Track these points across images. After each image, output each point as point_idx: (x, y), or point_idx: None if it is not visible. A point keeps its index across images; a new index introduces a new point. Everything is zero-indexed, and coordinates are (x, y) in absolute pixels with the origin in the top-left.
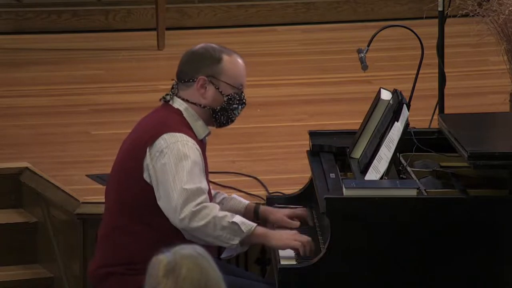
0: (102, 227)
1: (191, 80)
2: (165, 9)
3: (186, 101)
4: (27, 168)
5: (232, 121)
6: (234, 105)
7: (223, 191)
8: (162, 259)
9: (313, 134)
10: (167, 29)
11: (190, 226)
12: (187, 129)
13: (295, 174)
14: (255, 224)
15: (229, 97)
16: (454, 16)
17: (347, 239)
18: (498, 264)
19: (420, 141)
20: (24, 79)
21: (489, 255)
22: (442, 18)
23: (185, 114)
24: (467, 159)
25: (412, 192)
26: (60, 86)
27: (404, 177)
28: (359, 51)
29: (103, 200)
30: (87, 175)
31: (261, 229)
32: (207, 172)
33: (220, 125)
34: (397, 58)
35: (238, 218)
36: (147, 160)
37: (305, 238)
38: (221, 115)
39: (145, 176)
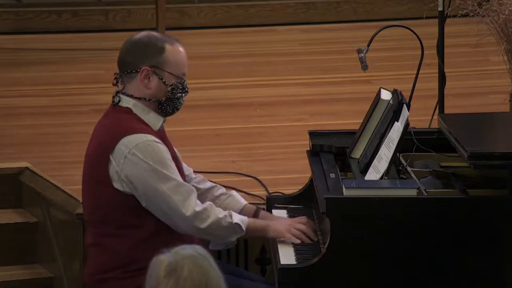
0: (88, 235)
1: (134, 71)
2: (165, 9)
3: (132, 97)
4: (27, 168)
5: (178, 109)
6: (178, 94)
7: None
8: (163, 259)
9: (313, 134)
10: (167, 29)
11: (195, 225)
12: (141, 125)
13: (295, 174)
14: (247, 219)
15: (172, 87)
16: (454, 16)
17: (347, 239)
18: (498, 264)
19: (420, 141)
20: (24, 79)
21: (489, 255)
22: (442, 18)
23: (134, 110)
24: (467, 159)
25: (412, 192)
26: (60, 86)
27: (404, 177)
28: (359, 51)
29: None
30: None
31: (258, 224)
32: (176, 158)
33: (166, 114)
34: (397, 58)
35: (237, 218)
36: (113, 167)
37: (302, 226)
38: (167, 105)
39: (116, 185)
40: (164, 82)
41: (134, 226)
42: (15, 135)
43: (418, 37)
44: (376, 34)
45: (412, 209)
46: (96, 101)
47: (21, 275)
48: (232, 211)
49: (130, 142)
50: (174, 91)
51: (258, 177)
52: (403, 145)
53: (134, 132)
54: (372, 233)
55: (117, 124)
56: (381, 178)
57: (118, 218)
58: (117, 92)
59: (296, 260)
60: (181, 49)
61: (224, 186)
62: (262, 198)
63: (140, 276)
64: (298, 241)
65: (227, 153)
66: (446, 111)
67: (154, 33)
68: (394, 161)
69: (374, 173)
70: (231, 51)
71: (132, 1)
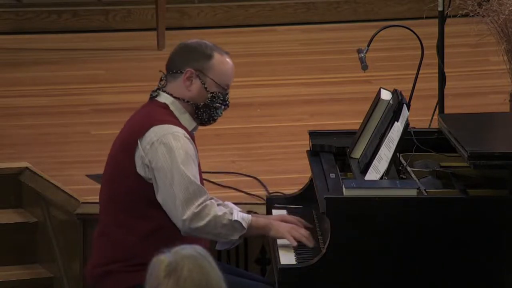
0: (97, 227)
1: (179, 72)
2: (165, 9)
3: (171, 95)
4: (27, 168)
5: (214, 120)
6: (217, 104)
7: (223, 191)
8: (163, 259)
9: (313, 134)
10: (167, 29)
11: (191, 227)
12: (175, 121)
13: (295, 174)
14: (251, 216)
15: (213, 94)
16: (454, 16)
17: (347, 239)
18: (498, 264)
19: (420, 141)
20: (24, 79)
21: (489, 255)
22: (442, 18)
23: (171, 108)
24: (467, 159)
25: (412, 192)
26: (60, 86)
27: (404, 177)
28: (359, 51)
29: None
30: (87, 175)
31: (261, 221)
32: (198, 163)
33: (202, 122)
34: (397, 58)
35: (237, 215)
36: (140, 152)
37: (303, 230)
38: (203, 111)
39: (139, 170)
40: (206, 88)
41: (145, 217)
42: (15, 135)
43: (418, 37)
44: (376, 34)
45: (412, 209)
46: (96, 101)
47: (21, 275)
48: None
49: (161, 131)
50: (214, 100)
51: (258, 177)
52: (403, 145)
53: (166, 123)
54: (372, 233)
55: (152, 113)
56: (381, 178)
57: (131, 206)
58: (157, 89)
59: (296, 260)
60: (229, 61)
61: (224, 186)
62: (262, 198)
63: (142, 272)
64: (295, 244)
65: (227, 153)
66: (446, 111)
67: (206, 41)
68: (394, 161)
69: (374, 173)
70: (231, 51)
71: (132, 1)
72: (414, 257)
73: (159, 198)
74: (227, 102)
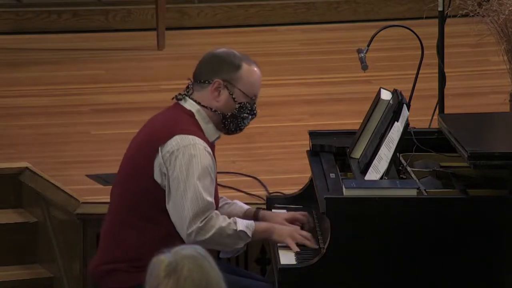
0: (105, 223)
1: (207, 82)
2: (165, 9)
3: (198, 103)
4: (27, 168)
5: (241, 129)
6: (245, 114)
7: (223, 191)
8: (163, 259)
9: (313, 134)
10: (167, 29)
11: (197, 240)
12: (199, 131)
13: (295, 174)
14: (254, 223)
15: (241, 105)
16: (454, 16)
17: (347, 239)
18: (498, 264)
19: (420, 141)
20: (24, 79)
21: (489, 255)
22: (442, 18)
23: (196, 116)
24: (467, 159)
25: (412, 192)
26: (60, 86)
27: (404, 177)
28: (359, 51)
29: (103, 200)
30: (87, 175)
31: (263, 225)
32: (215, 174)
33: (229, 132)
34: (397, 58)
35: (241, 224)
36: (159, 159)
37: (304, 233)
38: (230, 121)
39: (156, 176)
40: (234, 99)
41: (155, 222)
42: (15, 135)
43: (418, 37)
44: (376, 34)
45: (412, 209)
46: (96, 101)
47: (21, 275)
48: (236, 216)
49: (183, 141)
50: (242, 110)
51: (258, 177)
52: (403, 145)
53: (190, 133)
54: (372, 233)
55: (177, 121)
56: (381, 178)
57: (144, 210)
58: (184, 94)
59: (296, 260)
60: (257, 70)
61: (224, 186)
62: (262, 198)
63: (144, 272)
64: (298, 249)
65: (227, 153)
66: (446, 111)
67: (235, 51)
68: (394, 161)
69: (374, 173)
70: None
71: (132, 1)
72: (414, 257)
73: (169, 206)
74: (255, 112)
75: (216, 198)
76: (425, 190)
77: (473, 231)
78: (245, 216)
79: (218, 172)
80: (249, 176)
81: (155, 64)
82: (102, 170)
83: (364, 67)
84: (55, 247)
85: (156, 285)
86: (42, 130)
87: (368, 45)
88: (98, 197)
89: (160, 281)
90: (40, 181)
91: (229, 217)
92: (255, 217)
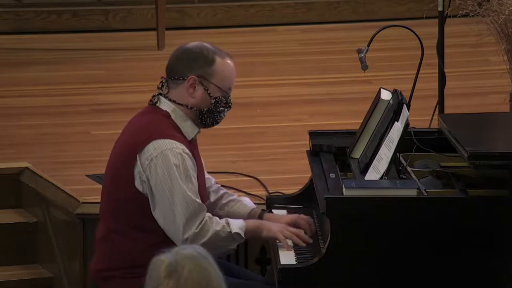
0: (100, 229)
1: (181, 78)
2: (165, 9)
3: (173, 102)
4: (27, 168)
5: (217, 122)
6: (221, 108)
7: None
8: (163, 260)
9: (313, 134)
10: (167, 29)
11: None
12: (176, 132)
13: (295, 174)
14: (244, 222)
15: (216, 99)
16: (454, 16)
17: (347, 239)
18: (498, 264)
19: (420, 141)
20: (24, 79)
21: (489, 255)
22: (442, 18)
23: (173, 116)
24: (467, 159)
25: (412, 192)
26: (60, 86)
27: (404, 177)
28: (359, 51)
29: None
30: (87, 175)
31: (252, 224)
32: (201, 170)
33: (205, 126)
34: (397, 58)
35: (234, 226)
36: (138, 168)
37: (295, 229)
38: (207, 116)
39: (137, 184)
40: (209, 94)
41: (144, 229)
42: (15, 135)
43: (418, 37)
44: (376, 34)
45: (412, 209)
46: (96, 101)
47: (21, 275)
48: (238, 217)
49: (160, 146)
50: (217, 104)
51: (258, 177)
52: (403, 145)
53: (166, 137)
54: (372, 233)
55: (152, 125)
56: (381, 178)
57: (133, 219)
58: (158, 94)
59: (296, 260)
60: (230, 63)
61: (224, 186)
62: (262, 198)
63: (143, 277)
64: (290, 244)
65: (227, 153)
66: (446, 111)
67: (206, 44)
68: (394, 161)
69: (374, 173)
70: (231, 51)
71: (132, 1)
72: (414, 257)
73: (156, 215)
74: (230, 104)
75: (204, 194)
76: (425, 190)
77: (473, 231)
78: (250, 217)
79: (218, 172)
80: (249, 176)
81: (155, 64)
82: (102, 170)
83: (364, 67)
84: (55, 247)
85: (156, 285)
86: (42, 130)
87: (368, 45)
88: (98, 197)
89: (161, 282)
90: (40, 181)
91: (231, 217)
92: (259, 219)
